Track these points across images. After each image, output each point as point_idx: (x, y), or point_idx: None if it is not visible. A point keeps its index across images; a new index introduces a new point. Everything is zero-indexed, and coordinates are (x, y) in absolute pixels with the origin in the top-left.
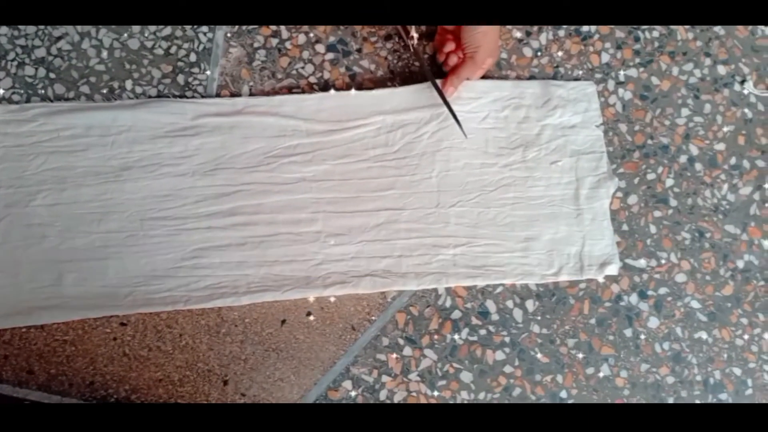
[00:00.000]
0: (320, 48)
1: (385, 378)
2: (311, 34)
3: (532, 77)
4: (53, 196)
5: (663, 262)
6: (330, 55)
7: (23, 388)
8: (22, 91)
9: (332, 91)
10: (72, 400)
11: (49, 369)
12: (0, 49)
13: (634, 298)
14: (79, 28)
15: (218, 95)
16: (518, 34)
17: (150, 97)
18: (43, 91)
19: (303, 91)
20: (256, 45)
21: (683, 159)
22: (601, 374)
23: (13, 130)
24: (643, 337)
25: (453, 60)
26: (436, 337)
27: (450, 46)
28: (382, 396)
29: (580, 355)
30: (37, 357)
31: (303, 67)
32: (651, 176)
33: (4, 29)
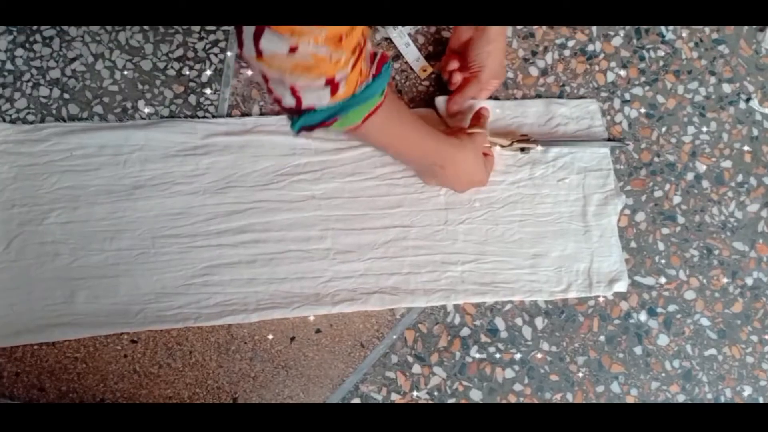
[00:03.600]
0: None
1: (394, 396)
2: None
3: (538, 96)
4: (66, 214)
5: (672, 279)
6: None
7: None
8: (36, 112)
9: None
10: None
11: (60, 386)
12: (15, 71)
13: (643, 316)
14: (93, 49)
15: (229, 115)
16: (524, 54)
17: (162, 117)
18: (57, 112)
19: None
20: None
21: (690, 176)
22: (611, 392)
23: (27, 150)
24: (653, 354)
25: (457, 78)
26: (445, 354)
27: (453, 65)
28: None
29: (590, 373)
30: (49, 374)
31: None
32: (658, 193)
33: (20, 51)
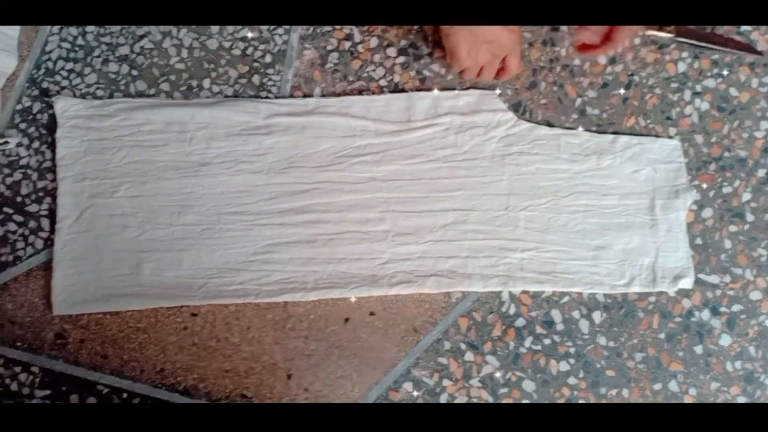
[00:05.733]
0: (392, 51)
1: (446, 382)
2: (383, 38)
3: (605, 84)
4: (135, 188)
5: (737, 278)
6: (401, 59)
7: (97, 372)
8: (105, 87)
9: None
10: (142, 386)
11: (122, 354)
12: (86, 46)
13: (705, 315)
14: (161, 27)
15: (291, 96)
16: None
17: (226, 96)
18: (125, 87)
19: (373, 93)
20: (329, 48)
21: (761, 173)
22: (668, 390)
23: (96, 125)
24: (714, 354)
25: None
26: (498, 344)
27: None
28: (443, 400)
29: (647, 370)
30: (112, 342)
31: (374, 70)
32: (727, 189)
33: (91, 27)
